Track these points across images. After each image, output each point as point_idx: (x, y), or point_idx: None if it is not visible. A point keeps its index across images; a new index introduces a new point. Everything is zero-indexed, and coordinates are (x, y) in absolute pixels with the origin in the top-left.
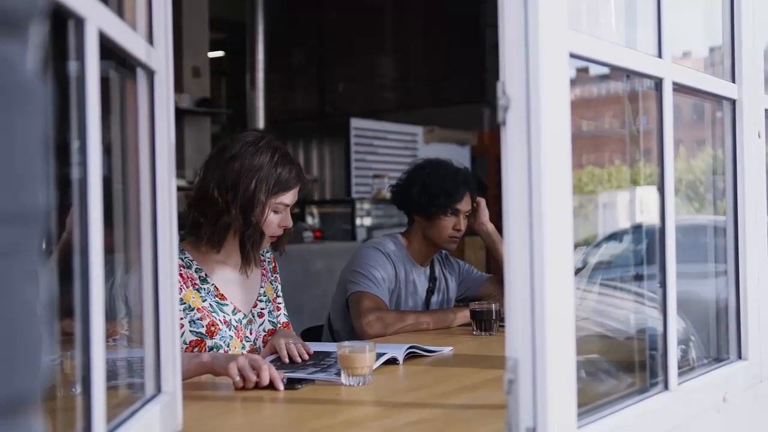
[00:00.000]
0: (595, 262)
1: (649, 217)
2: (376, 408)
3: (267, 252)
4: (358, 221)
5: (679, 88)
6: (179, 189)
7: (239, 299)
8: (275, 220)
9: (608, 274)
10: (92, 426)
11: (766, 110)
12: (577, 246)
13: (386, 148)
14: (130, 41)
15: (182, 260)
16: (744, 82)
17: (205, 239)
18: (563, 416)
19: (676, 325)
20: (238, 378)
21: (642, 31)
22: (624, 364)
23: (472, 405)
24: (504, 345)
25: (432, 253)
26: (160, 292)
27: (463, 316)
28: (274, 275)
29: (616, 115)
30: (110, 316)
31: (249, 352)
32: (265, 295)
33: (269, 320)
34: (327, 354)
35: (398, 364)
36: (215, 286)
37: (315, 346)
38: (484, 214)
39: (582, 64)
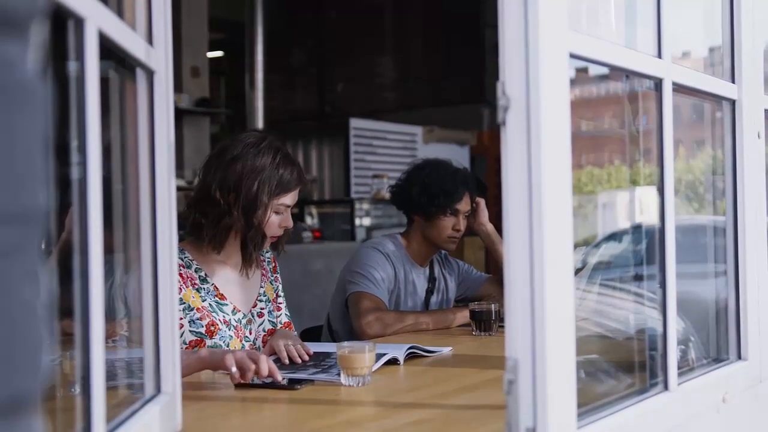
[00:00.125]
0: (594, 262)
1: (648, 217)
2: (375, 408)
3: (267, 252)
4: (357, 221)
5: (678, 89)
6: (178, 189)
7: (239, 299)
8: (276, 221)
9: (608, 275)
10: (92, 426)
11: (765, 110)
12: (576, 246)
13: (386, 148)
14: (130, 41)
15: (182, 260)
16: (744, 83)
17: (206, 240)
18: (563, 416)
19: (675, 326)
20: (234, 369)
21: (642, 31)
22: (624, 365)
23: (472, 405)
24: (504, 345)
25: (431, 254)
26: (159, 293)
27: (463, 316)
28: (275, 275)
29: (616, 115)
30: (109, 316)
31: None
32: (265, 295)
33: (269, 320)
34: (327, 355)
35: (399, 364)
36: (215, 286)
37: (315, 347)
38: (484, 214)
39: (582, 64)
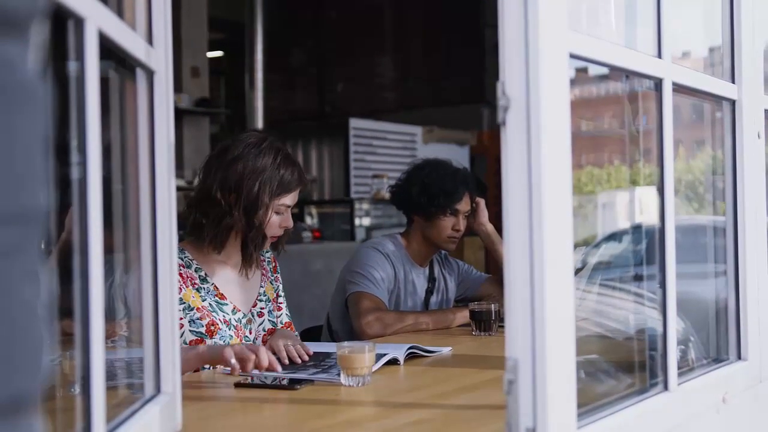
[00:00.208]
0: (594, 262)
1: (648, 217)
2: (375, 408)
3: (267, 252)
4: (357, 221)
5: (678, 89)
6: (178, 189)
7: (239, 299)
8: (277, 221)
9: (608, 275)
10: (92, 426)
11: (765, 110)
12: (576, 246)
13: (385, 149)
14: (130, 41)
15: (182, 260)
16: (744, 83)
17: (207, 240)
18: (563, 416)
19: (675, 326)
20: (233, 360)
21: (642, 31)
22: (624, 365)
23: (472, 405)
24: (504, 345)
25: (431, 254)
26: (159, 292)
27: (463, 316)
28: (275, 275)
29: (616, 115)
30: (109, 316)
31: None
32: (265, 295)
33: (269, 320)
34: (327, 355)
35: (399, 364)
36: (215, 286)
37: (315, 347)
38: (484, 214)
39: (582, 64)
